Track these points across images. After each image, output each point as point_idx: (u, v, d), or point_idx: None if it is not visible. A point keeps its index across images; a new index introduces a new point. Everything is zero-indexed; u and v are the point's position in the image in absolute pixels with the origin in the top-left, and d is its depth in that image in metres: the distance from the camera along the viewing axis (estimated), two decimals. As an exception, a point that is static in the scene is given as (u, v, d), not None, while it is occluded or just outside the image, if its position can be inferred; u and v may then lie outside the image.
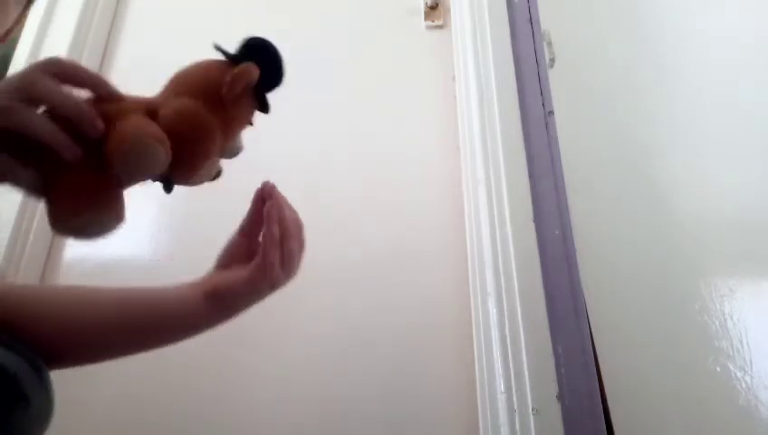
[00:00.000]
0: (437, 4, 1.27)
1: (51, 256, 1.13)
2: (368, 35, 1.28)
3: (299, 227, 0.55)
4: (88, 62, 1.25)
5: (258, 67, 0.43)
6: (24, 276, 1.06)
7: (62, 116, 0.37)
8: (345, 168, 1.12)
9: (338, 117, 1.18)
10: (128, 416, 0.94)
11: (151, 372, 0.95)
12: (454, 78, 1.19)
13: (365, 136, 1.16)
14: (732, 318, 0.89)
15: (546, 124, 0.91)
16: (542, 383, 0.72)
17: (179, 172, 0.42)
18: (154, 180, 0.43)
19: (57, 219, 0.38)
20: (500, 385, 0.77)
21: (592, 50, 1.16)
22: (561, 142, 0.90)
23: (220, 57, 0.45)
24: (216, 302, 0.52)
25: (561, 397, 0.71)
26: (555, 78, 0.98)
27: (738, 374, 0.84)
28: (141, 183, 0.42)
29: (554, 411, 0.70)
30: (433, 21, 1.26)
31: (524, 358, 0.75)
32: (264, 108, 0.46)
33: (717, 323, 0.89)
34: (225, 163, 0.48)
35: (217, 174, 0.47)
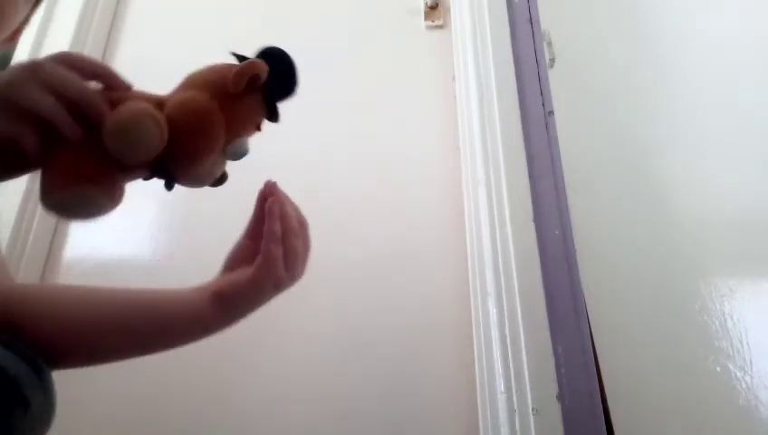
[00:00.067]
0: (437, 4, 1.27)
1: (51, 256, 1.13)
2: (368, 35, 1.28)
3: (303, 225, 0.54)
4: (88, 62, 1.25)
5: (271, 73, 0.43)
6: (24, 276, 1.06)
7: (68, 99, 0.38)
8: (345, 168, 1.12)
9: (338, 117, 1.18)
10: (128, 416, 0.94)
11: (151, 371, 0.95)
12: (454, 78, 1.19)
13: (365, 136, 1.16)
14: (732, 318, 0.89)
15: (546, 124, 0.91)
16: (542, 383, 0.72)
17: (181, 164, 0.42)
18: (154, 173, 0.42)
19: (46, 191, 0.38)
20: (500, 385, 0.77)
21: (592, 50, 1.16)
22: (561, 142, 0.90)
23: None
24: (221, 304, 0.51)
25: (561, 397, 0.71)
26: (555, 78, 0.98)
27: (738, 374, 0.84)
28: (139, 172, 0.41)
29: (554, 411, 0.70)
30: (433, 21, 1.26)
31: (524, 358, 0.75)
32: (273, 116, 0.46)
33: (717, 323, 0.89)
34: (226, 164, 0.47)
35: (222, 178, 0.47)
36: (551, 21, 1.06)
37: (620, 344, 0.86)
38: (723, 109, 1.08)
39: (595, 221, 0.95)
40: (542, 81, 0.95)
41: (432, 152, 1.13)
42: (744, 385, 0.83)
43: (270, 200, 0.51)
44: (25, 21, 0.55)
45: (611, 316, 0.87)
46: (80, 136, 0.38)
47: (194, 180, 0.44)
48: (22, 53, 1.19)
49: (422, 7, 1.27)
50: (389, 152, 1.13)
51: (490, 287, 0.84)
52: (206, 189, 0.47)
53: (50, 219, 1.16)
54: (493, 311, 0.83)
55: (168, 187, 0.43)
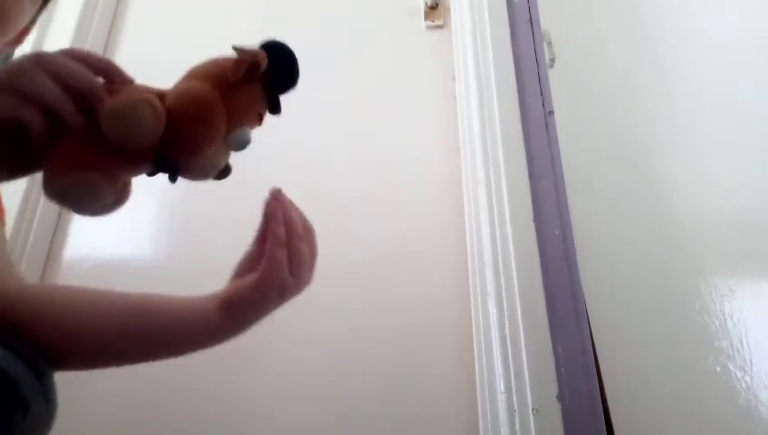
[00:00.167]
0: (437, 4, 1.27)
1: (51, 256, 1.13)
2: (368, 35, 1.28)
3: (309, 231, 0.54)
4: (88, 62, 1.25)
5: (272, 64, 0.43)
6: (24, 277, 1.06)
7: (72, 88, 0.38)
8: (345, 168, 1.12)
9: (338, 117, 1.18)
10: (128, 416, 0.94)
11: (151, 371, 0.94)
12: (454, 78, 1.19)
13: (365, 136, 1.16)
14: (732, 318, 0.89)
15: (546, 124, 0.91)
16: (542, 383, 0.72)
17: (183, 154, 0.41)
18: (157, 166, 0.42)
19: (48, 180, 0.38)
20: (500, 385, 0.77)
21: (592, 50, 1.16)
22: (561, 142, 0.90)
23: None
24: (229, 310, 0.51)
25: (561, 397, 0.71)
26: (555, 78, 0.98)
27: (738, 374, 0.84)
28: (143, 165, 0.41)
29: (554, 411, 0.70)
30: (433, 21, 1.26)
31: (524, 358, 0.75)
32: (275, 108, 0.46)
33: (717, 323, 0.89)
34: (229, 155, 0.47)
35: (225, 170, 0.46)
36: (551, 21, 1.06)
37: (620, 344, 0.86)
38: (723, 109, 1.08)
39: (595, 221, 0.95)
40: (542, 81, 0.95)
41: (432, 152, 1.13)
42: (743, 385, 0.83)
43: (273, 204, 0.51)
44: (32, 22, 0.55)
45: (611, 316, 0.87)
46: (82, 125, 0.38)
47: (197, 172, 0.44)
48: (22, 54, 1.19)
49: (422, 7, 1.27)
50: (389, 152, 1.13)
51: (490, 287, 0.84)
52: (206, 190, 0.47)
53: (50, 219, 1.16)
54: (493, 311, 0.83)
55: (172, 179, 0.43)
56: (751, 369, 0.84)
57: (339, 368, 0.95)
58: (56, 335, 0.47)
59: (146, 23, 1.38)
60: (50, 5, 0.56)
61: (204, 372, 0.95)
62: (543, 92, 0.94)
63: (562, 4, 1.20)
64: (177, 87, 0.43)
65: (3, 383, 0.37)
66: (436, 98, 1.18)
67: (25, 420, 0.38)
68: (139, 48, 1.33)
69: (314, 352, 0.96)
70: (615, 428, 0.77)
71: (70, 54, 0.40)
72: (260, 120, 0.46)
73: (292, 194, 0.54)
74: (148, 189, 0.46)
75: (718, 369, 0.85)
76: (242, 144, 0.44)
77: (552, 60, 1.05)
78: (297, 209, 0.54)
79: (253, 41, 0.45)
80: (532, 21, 1.01)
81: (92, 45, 1.29)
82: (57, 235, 1.16)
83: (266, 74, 0.44)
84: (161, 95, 0.41)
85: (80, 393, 0.92)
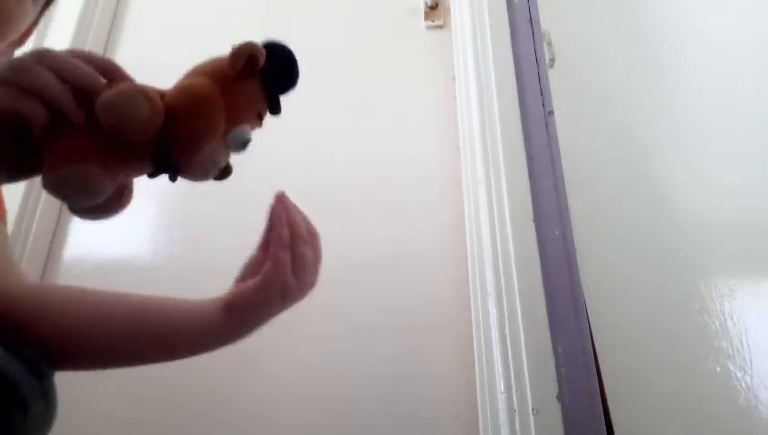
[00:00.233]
0: (437, 4, 1.27)
1: (51, 256, 1.13)
2: (368, 35, 1.28)
3: (313, 235, 0.54)
4: (88, 62, 1.25)
5: (271, 63, 0.43)
6: (26, 275, 1.06)
7: (74, 84, 0.38)
8: (345, 168, 1.12)
9: (338, 117, 1.18)
10: (128, 416, 0.94)
11: (151, 372, 0.94)
12: (454, 78, 1.19)
13: (365, 136, 1.16)
14: (732, 318, 0.89)
15: (546, 124, 0.91)
16: (542, 383, 0.72)
17: (183, 151, 0.41)
18: (157, 165, 0.41)
19: (46, 173, 0.38)
20: (500, 385, 0.77)
21: (592, 50, 1.16)
22: (561, 142, 0.90)
23: None
24: (231, 313, 0.51)
25: (561, 397, 0.71)
26: (555, 78, 0.98)
27: (738, 374, 0.84)
28: (142, 164, 0.41)
29: (554, 411, 0.70)
30: (433, 21, 1.26)
31: (524, 358, 0.75)
32: (275, 108, 0.46)
33: (717, 323, 0.89)
34: (229, 156, 0.47)
35: (226, 171, 0.46)
36: (551, 21, 1.06)
37: (620, 344, 0.86)
38: (723, 109, 1.08)
39: (595, 221, 0.95)
40: (542, 81, 0.95)
41: (432, 152, 1.13)
42: (744, 385, 0.83)
43: (277, 208, 0.51)
44: (35, 23, 0.55)
45: (611, 316, 0.87)
46: (82, 121, 0.38)
47: (197, 170, 0.43)
48: (22, 54, 1.19)
49: (422, 7, 1.27)
50: (389, 152, 1.13)
51: (490, 287, 0.84)
52: (206, 190, 0.47)
53: (50, 219, 1.16)
54: (493, 311, 0.83)
55: (172, 178, 0.43)
56: (751, 369, 0.84)
57: (339, 368, 0.95)
58: (56, 335, 0.47)
59: (146, 23, 1.38)
60: (53, 6, 0.56)
61: (203, 372, 0.95)
62: (543, 92, 0.94)
63: (562, 4, 1.20)
64: (176, 84, 0.43)
65: (2, 384, 0.37)
66: (436, 98, 1.18)
67: (25, 421, 0.38)
68: (139, 48, 1.33)
69: (314, 352, 0.96)
70: (615, 428, 0.77)
71: (72, 53, 0.40)
72: (260, 119, 0.46)
73: (292, 194, 0.54)
74: (148, 190, 0.46)
75: (718, 369, 0.85)
76: (241, 142, 0.44)
77: (552, 60, 1.05)
78: (301, 213, 0.54)
79: (252, 41, 0.45)
80: (532, 21, 1.01)
81: (92, 45, 1.29)
82: (57, 235, 1.16)
83: (266, 73, 0.44)
84: (162, 94, 0.41)
85: (80, 393, 0.92)
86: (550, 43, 1.05)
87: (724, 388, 0.83)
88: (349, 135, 1.16)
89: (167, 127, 0.39)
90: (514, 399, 0.74)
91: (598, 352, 0.80)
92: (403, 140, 1.15)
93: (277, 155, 1.08)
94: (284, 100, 0.46)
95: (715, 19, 1.19)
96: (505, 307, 0.80)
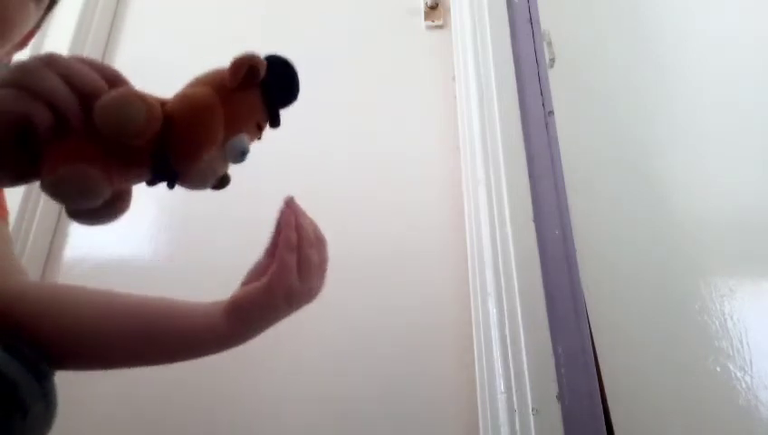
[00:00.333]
0: (437, 4, 1.27)
1: (51, 256, 1.13)
2: (368, 35, 1.28)
3: (320, 240, 0.54)
4: (88, 62, 1.26)
5: (272, 76, 0.44)
6: (28, 275, 1.06)
7: (78, 89, 0.38)
8: (345, 168, 1.12)
9: (338, 117, 1.18)
10: (128, 416, 0.94)
11: (151, 371, 0.94)
12: (454, 78, 1.19)
13: (365, 136, 1.16)
14: (732, 318, 0.89)
15: (546, 124, 0.91)
16: (542, 383, 0.72)
17: (181, 158, 0.42)
18: (156, 173, 0.42)
19: (44, 175, 0.38)
20: (500, 385, 0.77)
21: (592, 50, 1.16)
22: (561, 142, 0.90)
23: None
24: (236, 315, 0.50)
25: (561, 397, 0.71)
26: (555, 78, 0.98)
27: (738, 374, 0.84)
28: (141, 171, 0.41)
29: (554, 411, 0.70)
30: (433, 21, 1.26)
31: (524, 358, 0.75)
32: (275, 121, 0.47)
33: (717, 323, 0.89)
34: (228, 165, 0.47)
35: (224, 180, 0.46)
36: (551, 21, 1.06)
37: (620, 344, 0.86)
38: (723, 109, 1.08)
39: (595, 221, 0.95)
40: (542, 81, 0.95)
41: (432, 152, 1.13)
42: (743, 385, 0.83)
43: (285, 211, 0.51)
44: (37, 26, 0.55)
45: (611, 316, 0.87)
46: (83, 125, 0.38)
47: (195, 178, 0.44)
48: (21, 54, 1.19)
49: (422, 7, 1.27)
50: (389, 152, 1.13)
51: (490, 287, 0.84)
52: (206, 191, 0.47)
53: (50, 219, 1.16)
54: (493, 311, 0.83)
55: (170, 186, 0.43)
56: (751, 369, 0.84)
57: (339, 368, 0.95)
58: (57, 335, 0.47)
59: (146, 23, 1.37)
60: (55, 9, 0.56)
61: (203, 371, 0.95)
62: (543, 92, 0.94)
63: (562, 4, 1.20)
64: (177, 93, 0.43)
65: (2, 385, 0.37)
66: (436, 98, 1.18)
67: (25, 422, 0.38)
68: (139, 48, 1.33)
69: (314, 351, 0.96)
70: (615, 428, 0.77)
71: (78, 59, 0.40)
72: (259, 130, 0.47)
73: (292, 194, 0.54)
74: (148, 190, 0.46)
75: (718, 369, 0.85)
76: (240, 152, 0.44)
77: (552, 60, 1.05)
78: (309, 218, 0.54)
79: (253, 41, 0.46)
80: (532, 21, 1.01)
81: (92, 45, 1.29)
82: (57, 235, 1.16)
83: (266, 86, 0.45)
84: (163, 102, 0.41)
85: (80, 393, 0.92)
86: (550, 43, 1.05)
87: (724, 388, 0.84)
88: (349, 135, 1.16)
89: (166, 134, 0.40)
90: (514, 399, 0.74)
91: (598, 352, 0.80)
92: (403, 140, 1.15)
93: (277, 155, 1.08)
94: (285, 105, 0.47)
95: (715, 19, 1.19)
96: (505, 307, 0.80)
